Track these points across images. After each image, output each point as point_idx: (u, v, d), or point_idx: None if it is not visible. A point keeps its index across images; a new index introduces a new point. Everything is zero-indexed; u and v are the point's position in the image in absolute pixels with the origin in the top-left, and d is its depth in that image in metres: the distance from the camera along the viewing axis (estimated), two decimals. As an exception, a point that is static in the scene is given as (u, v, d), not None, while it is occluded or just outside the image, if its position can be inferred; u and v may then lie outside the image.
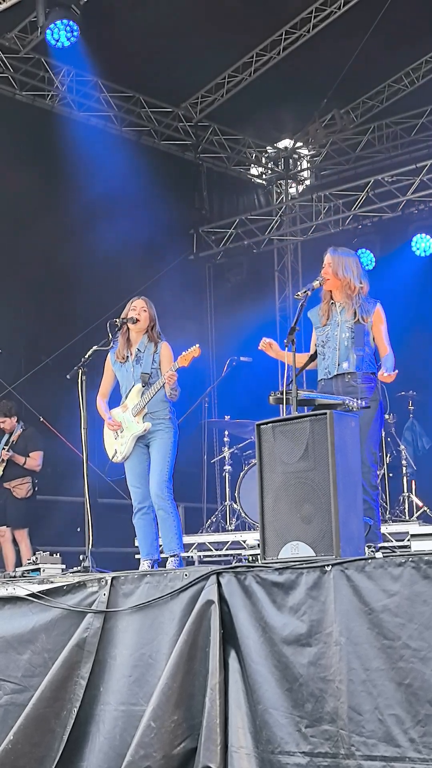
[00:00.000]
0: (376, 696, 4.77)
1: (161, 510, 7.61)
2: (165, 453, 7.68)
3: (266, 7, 12.97)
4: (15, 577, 7.28)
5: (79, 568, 7.35)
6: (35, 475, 11.20)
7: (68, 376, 7.81)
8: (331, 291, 7.17)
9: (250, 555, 10.02)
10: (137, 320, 7.84)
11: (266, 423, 5.89)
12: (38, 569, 7.87)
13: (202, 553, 10.75)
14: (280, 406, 6.84)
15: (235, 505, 11.29)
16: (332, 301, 7.15)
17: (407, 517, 10.85)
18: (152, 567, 7.69)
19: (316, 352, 7.22)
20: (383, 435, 11.18)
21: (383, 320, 7.08)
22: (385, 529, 9.75)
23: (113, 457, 7.92)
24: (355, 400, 6.42)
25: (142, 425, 7.72)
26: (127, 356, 7.89)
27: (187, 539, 10.57)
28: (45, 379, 12.49)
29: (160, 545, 7.81)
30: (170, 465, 7.69)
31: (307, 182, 16.67)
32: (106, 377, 8.07)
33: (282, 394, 6.49)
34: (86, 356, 7.78)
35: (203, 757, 5.18)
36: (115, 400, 8.02)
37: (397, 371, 6.76)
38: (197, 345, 7.61)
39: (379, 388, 7.09)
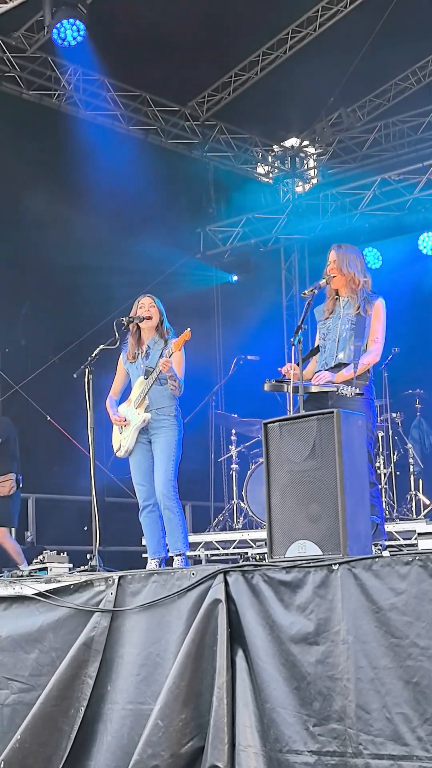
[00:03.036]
0: (384, 694, 4.77)
1: (167, 510, 7.61)
2: (169, 452, 7.68)
3: (272, 5, 12.97)
4: (22, 576, 7.29)
5: (86, 567, 7.35)
6: (18, 471, 10.93)
7: (74, 375, 7.82)
8: (336, 289, 7.15)
9: (257, 554, 10.04)
10: (149, 318, 7.85)
11: (273, 422, 5.89)
12: (45, 568, 7.87)
13: (209, 552, 10.76)
14: (286, 396, 6.89)
15: (242, 504, 11.29)
16: (337, 297, 7.14)
17: (414, 516, 10.84)
18: (160, 565, 7.70)
19: (318, 347, 7.21)
20: (390, 434, 11.20)
21: (380, 316, 6.97)
22: (392, 527, 9.75)
23: (117, 451, 7.93)
24: (349, 387, 6.43)
25: (141, 416, 7.72)
26: (137, 354, 7.90)
27: (195, 538, 10.58)
28: (52, 377, 12.50)
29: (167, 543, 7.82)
30: (175, 464, 7.68)
31: (314, 180, 16.65)
32: (117, 376, 8.09)
33: (277, 381, 6.66)
34: (93, 355, 7.78)
35: (211, 755, 5.18)
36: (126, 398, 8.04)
37: (350, 372, 6.69)
38: (188, 329, 7.64)
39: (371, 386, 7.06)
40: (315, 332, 7.28)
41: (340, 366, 6.88)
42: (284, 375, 6.80)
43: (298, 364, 6.54)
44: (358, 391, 6.49)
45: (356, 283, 7.02)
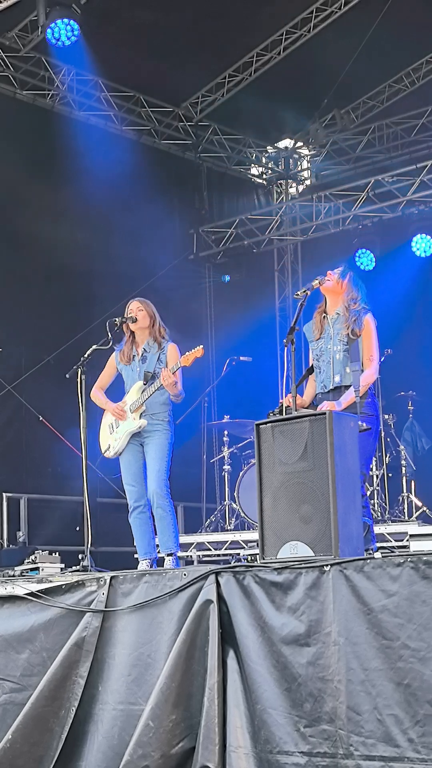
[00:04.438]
0: (375, 696, 4.77)
1: (159, 508, 7.61)
2: (162, 452, 7.69)
3: (266, 6, 12.96)
4: (14, 576, 7.28)
5: (78, 567, 7.35)
6: None
7: (67, 375, 7.81)
8: (326, 301, 7.10)
9: (249, 555, 10.03)
10: (136, 319, 7.86)
11: (265, 423, 5.89)
12: (37, 568, 7.87)
13: (201, 553, 10.75)
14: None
15: (234, 505, 11.29)
16: (325, 315, 7.11)
17: (406, 518, 10.86)
18: (151, 566, 7.70)
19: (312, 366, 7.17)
20: (383, 435, 11.20)
21: (371, 334, 6.91)
22: (384, 529, 9.76)
23: (106, 451, 7.92)
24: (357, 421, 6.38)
25: (137, 422, 7.73)
26: (133, 356, 7.90)
27: (186, 539, 10.58)
28: (46, 377, 12.46)
29: (158, 544, 7.81)
30: (168, 464, 7.69)
31: (308, 182, 16.65)
32: (106, 371, 8.08)
33: (281, 413, 6.55)
34: (85, 355, 7.78)
35: (201, 756, 5.18)
36: (117, 397, 8.01)
37: (352, 397, 6.64)
38: (201, 346, 7.61)
39: (379, 403, 7.03)
40: (306, 340, 7.24)
41: (338, 389, 6.88)
42: (287, 405, 6.69)
43: (292, 370, 6.47)
44: (365, 426, 6.43)
45: (355, 304, 6.98)
